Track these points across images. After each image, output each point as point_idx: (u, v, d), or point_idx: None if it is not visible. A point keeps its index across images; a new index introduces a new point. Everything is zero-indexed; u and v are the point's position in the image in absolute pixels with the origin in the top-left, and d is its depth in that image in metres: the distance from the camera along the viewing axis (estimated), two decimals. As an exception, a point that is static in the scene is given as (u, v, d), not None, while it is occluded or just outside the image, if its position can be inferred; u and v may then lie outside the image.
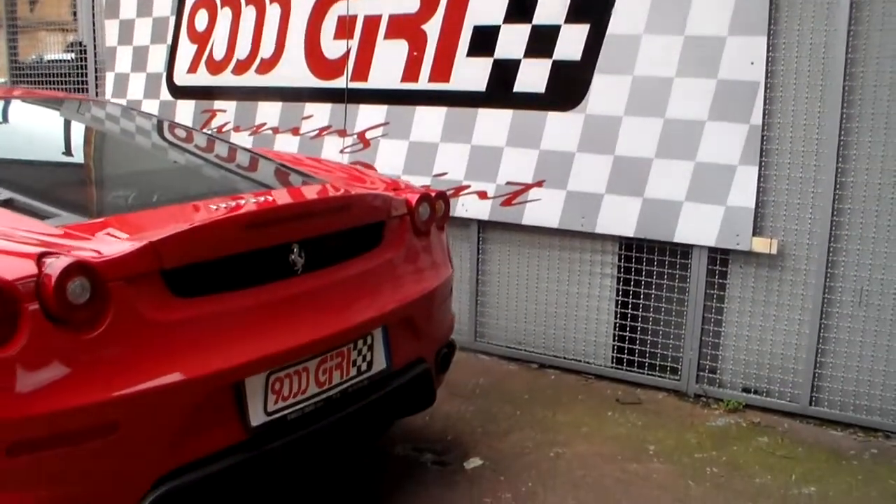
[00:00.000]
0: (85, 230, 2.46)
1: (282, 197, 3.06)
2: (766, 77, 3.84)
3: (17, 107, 3.80)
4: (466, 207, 4.61)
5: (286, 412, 2.65)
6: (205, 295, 2.48)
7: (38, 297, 2.13)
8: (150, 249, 2.36)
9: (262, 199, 2.91)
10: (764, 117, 3.87)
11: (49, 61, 6.91)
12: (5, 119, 3.66)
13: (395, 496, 3.32)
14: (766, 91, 3.85)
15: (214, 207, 2.74)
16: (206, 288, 2.49)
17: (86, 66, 6.36)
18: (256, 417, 2.56)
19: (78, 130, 3.80)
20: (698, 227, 4.03)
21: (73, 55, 6.54)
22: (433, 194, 3.36)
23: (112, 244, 2.37)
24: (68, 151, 3.53)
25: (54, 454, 2.15)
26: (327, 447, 2.87)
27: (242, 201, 2.85)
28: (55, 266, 2.15)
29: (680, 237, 4.10)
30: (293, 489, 3.22)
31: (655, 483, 3.43)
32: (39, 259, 2.19)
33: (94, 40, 6.20)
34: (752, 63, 3.85)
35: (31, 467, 2.13)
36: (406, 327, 3.10)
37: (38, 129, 3.60)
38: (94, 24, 6.17)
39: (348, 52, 4.82)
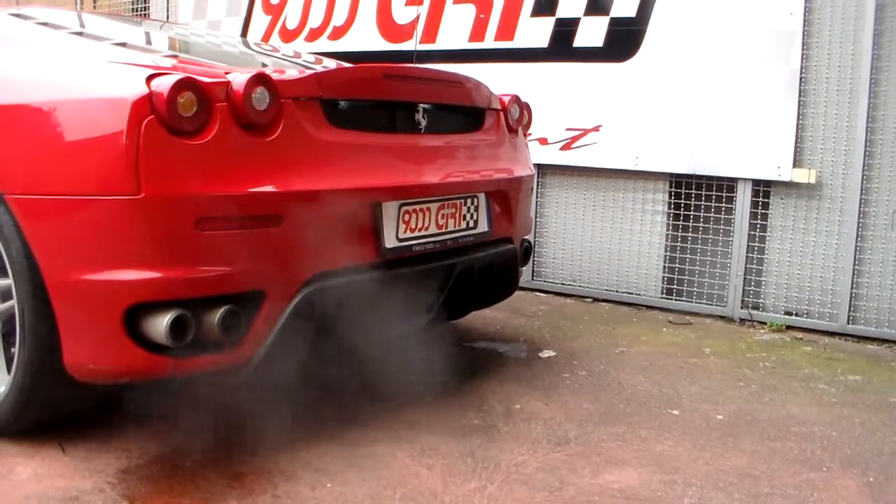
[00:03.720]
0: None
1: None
2: (804, 25, 4.32)
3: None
4: (528, 154, 5.03)
5: (412, 243, 3.01)
6: (351, 129, 2.86)
7: (226, 99, 2.52)
8: (314, 78, 2.77)
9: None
10: (802, 61, 4.34)
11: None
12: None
13: (482, 371, 3.65)
14: (803, 38, 4.32)
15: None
16: (353, 123, 2.87)
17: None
18: (390, 241, 2.92)
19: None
20: (743, 161, 4.47)
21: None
22: (522, 100, 3.78)
23: (285, 72, 2.78)
24: (197, 43, 3.93)
25: (232, 234, 2.49)
26: (439, 290, 3.21)
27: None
28: (241, 77, 2.55)
29: (727, 171, 4.52)
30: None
31: (715, 370, 3.78)
32: (226, 73, 2.59)
33: (167, 16, 6.67)
34: (791, 13, 4.34)
35: (213, 243, 2.46)
36: (500, 203, 3.48)
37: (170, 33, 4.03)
38: (168, 2, 6.66)
39: (418, 17, 5.30)
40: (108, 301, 2.44)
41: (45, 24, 3.29)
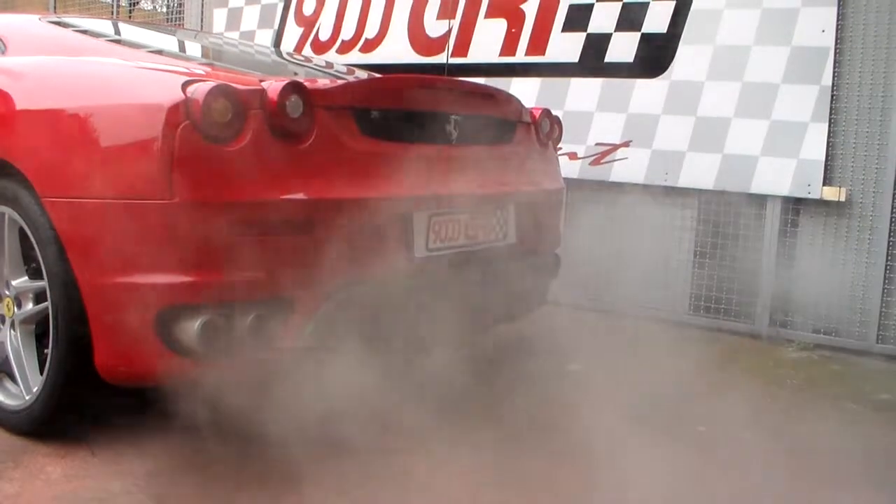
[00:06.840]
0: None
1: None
2: (836, 43, 4.31)
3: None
4: (558, 168, 5.04)
5: (441, 253, 3.02)
6: (383, 139, 2.88)
7: (261, 107, 2.55)
8: (347, 87, 2.82)
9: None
10: (833, 79, 4.32)
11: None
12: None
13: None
14: (835, 55, 4.31)
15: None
16: (385, 133, 2.89)
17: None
18: (419, 251, 2.93)
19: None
20: (773, 178, 4.45)
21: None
22: (552, 114, 3.80)
23: (318, 81, 2.81)
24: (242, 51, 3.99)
25: (263, 241, 2.51)
26: (466, 298, 3.21)
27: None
28: (275, 85, 2.59)
29: (756, 189, 4.51)
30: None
31: (743, 387, 3.74)
32: (260, 81, 2.63)
33: (202, 26, 6.75)
34: (823, 31, 4.32)
35: (244, 249, 2.48)
36: (530, 215, 3.48)
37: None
38: (202, 14, 6.74)
39: (450, 30, 5.34)
40: (141, 304, 2.47)
41: (83, 31, 3.35)
